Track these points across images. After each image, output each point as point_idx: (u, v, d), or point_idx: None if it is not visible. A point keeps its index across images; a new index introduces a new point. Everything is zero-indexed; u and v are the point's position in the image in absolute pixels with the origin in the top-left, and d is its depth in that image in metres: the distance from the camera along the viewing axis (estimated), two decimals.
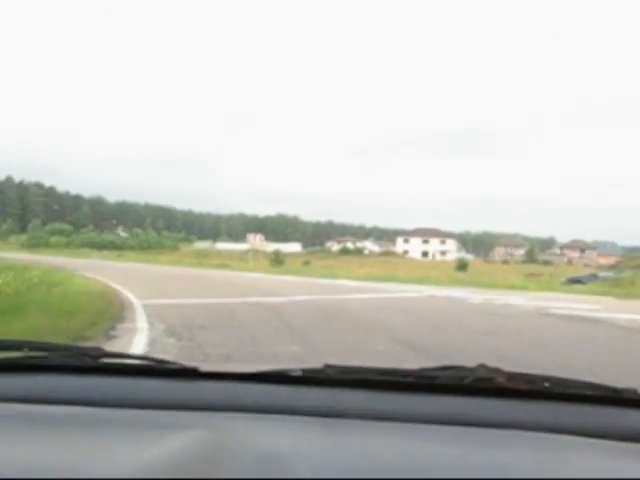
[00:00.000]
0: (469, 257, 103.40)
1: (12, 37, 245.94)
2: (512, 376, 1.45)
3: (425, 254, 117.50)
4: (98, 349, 1.65)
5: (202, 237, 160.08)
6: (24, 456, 1.02)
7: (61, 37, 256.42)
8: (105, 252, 73.11)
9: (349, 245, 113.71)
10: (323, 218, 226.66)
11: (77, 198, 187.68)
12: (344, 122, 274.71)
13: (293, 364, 1.55)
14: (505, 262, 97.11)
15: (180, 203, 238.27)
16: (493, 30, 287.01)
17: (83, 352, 1.64)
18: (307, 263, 61.10)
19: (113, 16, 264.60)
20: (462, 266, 59.50)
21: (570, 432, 1.29)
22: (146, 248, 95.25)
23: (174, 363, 1.57)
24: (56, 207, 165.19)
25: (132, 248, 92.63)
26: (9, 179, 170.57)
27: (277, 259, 54.68)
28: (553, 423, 1.33)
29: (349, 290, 22.62)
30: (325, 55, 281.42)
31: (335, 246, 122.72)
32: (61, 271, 27.68)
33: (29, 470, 0.94)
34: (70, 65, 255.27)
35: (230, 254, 69.41)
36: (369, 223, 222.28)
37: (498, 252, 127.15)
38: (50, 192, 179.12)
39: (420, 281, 33.49)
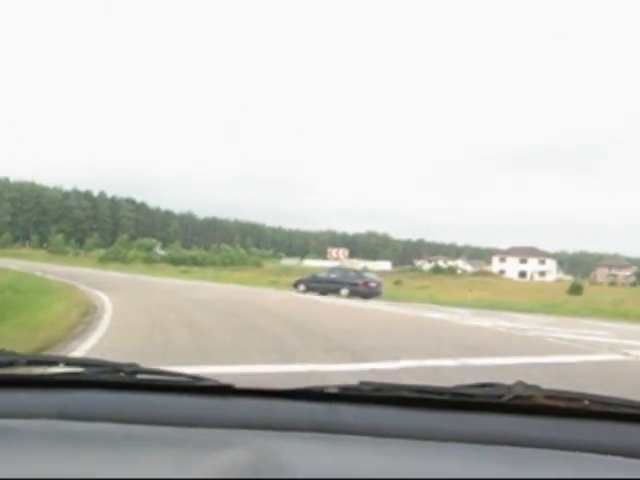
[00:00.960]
0: (567, 278, 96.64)
1: (105, 59, 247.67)
2: (551, 394, 1.43)
3: (523, 274, 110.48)
4: (133, 365, 1.61)
5: (291, 254, 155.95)
6: (59, 472, 1.02)
7: (154, 57, 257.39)
8: (183, 267, 67.26)
9: (441, 264, 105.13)
10: (414, 236, 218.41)
11: (168, 214, 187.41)
12: (435, 138, 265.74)
13: (328, 382, 1.56)
14: (612, 284, 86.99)
15: (270, 220, 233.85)
16: (588, 46, 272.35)
17: (118, 368, 1.60)
18: (398, 283, 53.11)
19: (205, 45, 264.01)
20: (576, 289, 50.27)
21: (610, 452, 1.26)
22: (229, 264, 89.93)
23: (209, 380, 1.55)
24: (145, 222, 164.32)
25: (214, 264, 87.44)
26: (102, 194, 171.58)
27: None
28: (593, 442, 1.30)
29: (487, 339, 13.15)
30: (412, 74, 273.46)
31: (426, 265, 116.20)
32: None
33: None
34: (166, 85, 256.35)
35: (315, 271, 62.75)
36: (460, 242, 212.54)
37: (600, 273, 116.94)
38: (141, 208, 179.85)
39: (551, 311, 25.05)
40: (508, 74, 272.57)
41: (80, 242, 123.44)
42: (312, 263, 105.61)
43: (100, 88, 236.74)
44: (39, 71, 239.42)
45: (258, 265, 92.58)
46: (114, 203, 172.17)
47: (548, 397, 1.40)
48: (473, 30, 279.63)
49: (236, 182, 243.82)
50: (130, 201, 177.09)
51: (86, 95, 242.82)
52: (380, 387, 1.48)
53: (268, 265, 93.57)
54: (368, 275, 33.39)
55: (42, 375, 1.57)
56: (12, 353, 1.66)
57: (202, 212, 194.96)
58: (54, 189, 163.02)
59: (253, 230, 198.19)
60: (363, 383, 1.48)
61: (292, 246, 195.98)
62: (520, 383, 1.43)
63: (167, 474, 1.02)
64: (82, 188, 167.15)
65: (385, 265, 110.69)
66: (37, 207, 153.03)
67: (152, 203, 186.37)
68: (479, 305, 28.01)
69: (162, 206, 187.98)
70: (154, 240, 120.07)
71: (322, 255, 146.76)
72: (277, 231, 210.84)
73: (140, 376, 1.57)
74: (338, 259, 40.74)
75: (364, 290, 29.06)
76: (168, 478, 1.00)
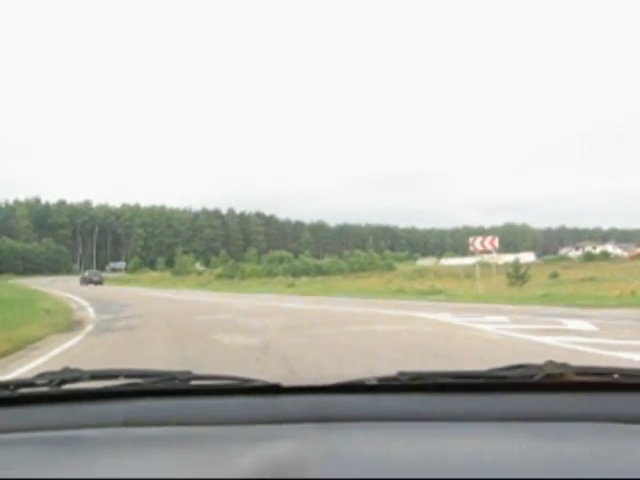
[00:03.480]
0: None
1: (230, 79, 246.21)
2: (581, 370, 1.47)
3: None
4: (187, 372, 1.70)
5: (426, 254, 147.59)
6: (130, 473, 1.12)
7: (276, 76, 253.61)
8: (304, 279, 57.73)
9: (590, 249, 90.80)
10: (554, 224, 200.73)
11: (298, 225, 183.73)
12: (565, 113, 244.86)
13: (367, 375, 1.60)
14: None
15: (402, 221, 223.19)
16: None
17: (173, 376, 1.69)
18: (555, 276, 40.33)
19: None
20: None
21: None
22: (357, 270, 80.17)
23: (258, 380, 1.63)
24: (276, 235, 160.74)
25: (341, 272, 77.96)
26: (231, 211, 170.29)
27: (517, 274, 33.32)
28: (624, 413, 1.34)
29: None
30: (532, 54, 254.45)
31: (572, 252, 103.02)
32: None
33: None
34: (286, 100, 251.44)
35: (453, 271, 52.19)
36: (605, 225, 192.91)
37: None
38: (271, 221, 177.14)
39: None
40: None
41: (208, 261, 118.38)
42: (450, 261, 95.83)
43: (222, 109, 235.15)
44: (162, 98, 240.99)
45: (390, 268, 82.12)
46: (243, 219, 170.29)
47: (578, 373, 1.44)
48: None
49: (365, 185, 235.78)
50: (259, 215, 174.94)
51: (210, 117, 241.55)
52: (418, 375, 1.52)
53: (402, 267, 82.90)
54: None
55: (106, 388, 1.66)
56: (76, 370, 1.74)
57: (333, 219, 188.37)
58: (184, 211, 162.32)
59: (386, 233, 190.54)
60: (401, 373, 1.53)
61: (428, 246, 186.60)
62: (550, 362, 1.46)
63: (224, 468, 1.11)
64: (211, 207, 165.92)
65: (529, 256, 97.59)
66: (168, 230, 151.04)
67: (282, 215, 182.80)
68: None
69: (292, 217, 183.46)
70: (188, 256, 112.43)
71: (460, 252, 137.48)
72: (411, 232, 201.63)
73: (194, 382, 1.66)
74: (486, 251, 28.60)
75: None
76: (226, 472, 1.08)
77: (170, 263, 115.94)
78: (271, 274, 77.22)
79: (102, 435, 1.43)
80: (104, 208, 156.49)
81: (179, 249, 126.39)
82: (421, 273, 54.78)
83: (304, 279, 57.87)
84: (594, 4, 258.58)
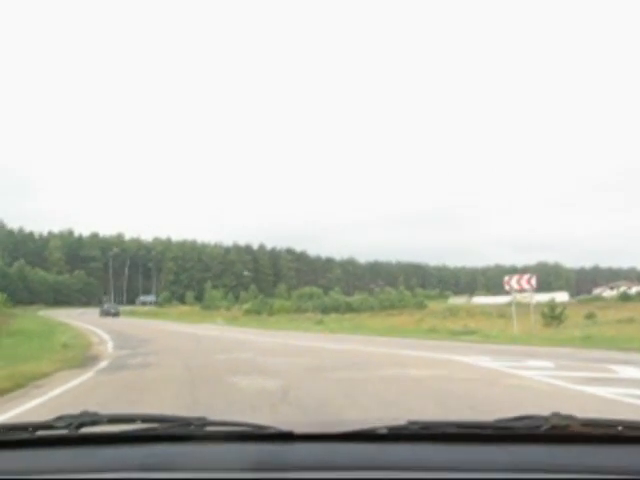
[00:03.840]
0: None
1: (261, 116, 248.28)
2: (586, 422, 1.50)
3: None
4: (202, 419, 1.75)
5: (458, 292, 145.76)
6: None
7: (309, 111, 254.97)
8: (333, 315, 56.52)
9: (625, 289, 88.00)
10: (587, 263, 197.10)
11: (329, 261, 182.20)
12: (607, 149, 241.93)
13: (377, 422, 1.63)
14: None
15: (433, 259, 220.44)
16: None
17: (189, 422, 1.74)
18: (591, 316, 38.56)
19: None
20: None
21: None
22: (387, 308, 78.97)
23: (271, 427, 1.66)
24: (307, 271, 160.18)
25: (371, 309, 76.80)
26: (262, 247, 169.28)
27: (553, 314, 31.98)
28: (627, 466, 1.34)
29: None
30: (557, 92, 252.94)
31: (606, 292, 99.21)
32: None
33: None
34: (318, 137, 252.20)
35: (485, 310, 50.26)
36: None
37: None
38: (301, 257, 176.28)
39: None
40: None
41: (238, 296, 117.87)
42: (482, 300, 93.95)
43: (256, 145, 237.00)
44: (195, 133, 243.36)
45: (421, 306, 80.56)
46: (274, 254, 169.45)
47: (584, 425, 1.47)
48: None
49: (396, 222, 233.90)
50: (290, 251, 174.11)
51: (244, 153, 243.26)
52: (427, 425, 1.56)
53: (433, 306, 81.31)
54: None
55: (123, 432, 1.70)
56: (95, 414, 1.80)
57: (363, 256, 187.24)
58: (215, 245, 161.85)
59: (417, 270, 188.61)
60: (411, 422, 1.58)
61: (459, 284, 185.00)
62: (556, 414, 1.49)
63: None
64: (242, 242, 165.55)
65: (563, 296, 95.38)
66: (199, 264, 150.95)
67: (313, 251, 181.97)
68: None
69: (323, 253, 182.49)
70: (217, 291, 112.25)
71: (492, 291, 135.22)
72: (442, 269, 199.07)
73: (208, 428, 1.70)
74: (522, 290, 27.18)
75: None
76: None
77: (199, 297, 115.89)
78: (300, 310, 76.23)
79: (118, 479, 1.45)
80: (136, 241, 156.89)
81: (209, 284, 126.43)
82: (453, 312, 53.29)
83: (333, 316, 56.73)
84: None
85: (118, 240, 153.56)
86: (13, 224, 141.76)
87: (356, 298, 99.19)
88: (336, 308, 75.40)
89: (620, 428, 1.45)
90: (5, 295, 66.03)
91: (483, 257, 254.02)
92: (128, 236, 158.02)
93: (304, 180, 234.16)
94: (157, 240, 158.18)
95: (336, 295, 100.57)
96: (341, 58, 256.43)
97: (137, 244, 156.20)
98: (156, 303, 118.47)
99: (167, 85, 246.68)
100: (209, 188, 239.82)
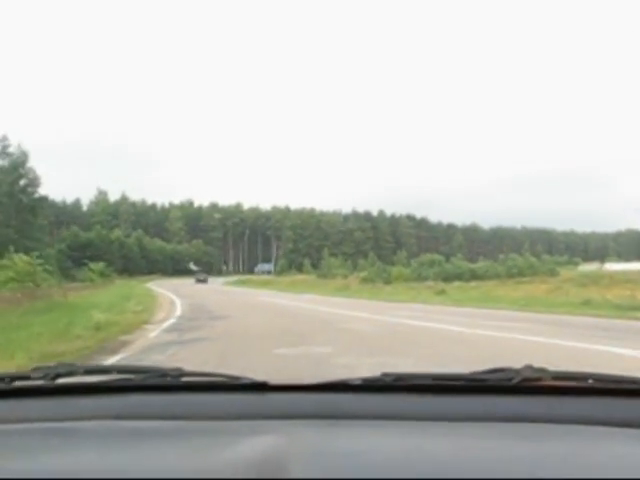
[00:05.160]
0: None
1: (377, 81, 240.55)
2: (557, 375, 1.50)
3: None
4: (178, 369, 1.73)
5: (587, 259, 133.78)
6: (119, 463, 1.17)
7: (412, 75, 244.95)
8: (456, 284, 50.12)
9: None
10: None
11: (450, 227, 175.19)
12: None
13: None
14: None
15: (560, 224, 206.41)
16: None
17: (164, 373, 1.73)
18: None
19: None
20: None
21: (613, 424, 1.33)
22: (515, 275, 71.55)
23: (246, 378, 1.65)
24: (427, 237, 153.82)
25: (498, 276, 69.71)
26: (381, 213, 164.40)
27: None
28: (597, 416, 1.36)
29: None
30: None
31: None
32: None
33: (119, 473, 1.08)
34: (434, 99, 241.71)
35: (630, 277, 42.00)
36: None
37: None
38: (422, 223, 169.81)
39: None
40: None
41: (356, 264, 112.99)
42: (618, 267, 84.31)
43: (374, 110, 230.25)
44: (313, 100, 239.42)
45: (553, 274, 72.30)
46: (394, 221, 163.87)
47: (555, 378, 1.47)
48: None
49: (521, 186, 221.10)
50: (410, 217, 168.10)
51: (362, 118, 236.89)
52: (400, 376, 1.55)
53: (566, 273, 72.65)
54: None
55: (99, 382, 1.70)
56: (71, 364, 1.82)
57: (486, 222, 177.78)
58: (334, 213, 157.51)
59: (542, 236, 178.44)
60: (385, 374, 1.55)
61: (587, 250, 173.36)
62: (529, 367, 1.49)
63: (211, 460, 1.14)
64: (361, 209, 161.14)
65: None
66: (317, 232, 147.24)
67: (433, 217, 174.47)
68: None
69: (444, 220, 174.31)
70: (336, 259, 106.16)
71: (624, 257, 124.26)
72: (569, 235, 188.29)
73: (184, 379, 1.69)
74: None
75: None
76: (212, 463, 1.11)
77: (317, 266, 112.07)
78: (420, 278, 69.86)
79: (94, 427, 1.44)
80: (255, 210, 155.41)
81: (326, 252, 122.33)
82: (593, 279, 45.48)
83: (456, 284, 50.12)
84: None
85: (237, 209, 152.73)
86: (135, 196, 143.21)
87: (480, 265, 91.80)
88: (459, 276, 68.38)
89: (590, 381, 1.46)
90: (104, 264, 64.93)
91: (614, 222, 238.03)
92: (247, 205, 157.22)
93: (425, 144, 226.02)
94: (276, 209, 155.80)
95: (458, 262, 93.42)
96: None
97: (256, 213, 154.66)
98: (273, 272, 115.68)
99: (279, 51, 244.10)
100: (327, 155, 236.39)
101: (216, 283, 74.37)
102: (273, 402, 1.53)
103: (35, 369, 1.75)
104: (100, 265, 61.86)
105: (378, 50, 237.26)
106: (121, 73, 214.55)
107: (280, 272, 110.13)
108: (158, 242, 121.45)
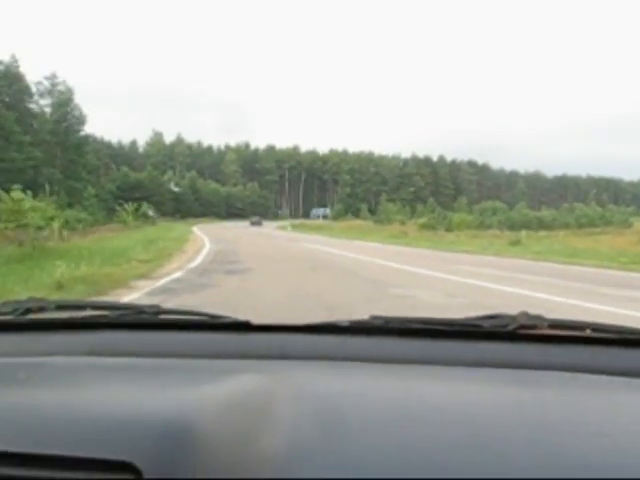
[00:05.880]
0: None
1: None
2: (554, 323, 1.44)
3: None
4: (156, 306, 1.66)
5: None
6: (91, 397, 1.08)
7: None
8: (524, 233, 45.04)
9: None
10: None
11: (513, 175, 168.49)
12: None
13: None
14: None
15: (628, 173, 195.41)
16: None
17: (141, 310, 1.65)
18: None
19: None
20: None
21: (609, 373, 1.29)
22: (585, 225, 66.42)
23: (227, 317, 1.57)
24: (489, 185, 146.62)
25: (566, 226, 64.73)
26: (441, 158, 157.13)
27: None
28: (594, 365, 1.33)
29: None
30: None
31: None
32: None
33: (97, 406, 1.01)
34: (496, 45, 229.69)
35: None
36: None
37: None
38: (483, 170, 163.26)
39: None
40: None
41: (415, 210, 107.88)
42: None
43: (436, 55, 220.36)
44: (374, 44, 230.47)
45: (626, 225, 66.48)
46: (454, 167, 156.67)
47: (551, 326, 1.42)
48: None
49: (586, 133, 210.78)
50: (472, 164, 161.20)
51: (423, 61, 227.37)
52: (390, 320, 1.48)
53: (637, 224, 66.56)
54: None
55: (71, 318, 1.62)
56: (41, 299, 1.71)
57: (550, 170, 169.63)
58: (392, 157, 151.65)
59: (609, 185, 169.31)
60: (374, 317, 1.48)
61: None
62: (524, 313, 1.44)
63: (182, 393, 1.08)
64: (421, 154, 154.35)
65: None
66: (376, 177, 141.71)
67: (495, 164, 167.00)
68: None
69: (506, 167, 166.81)
70: (394, 204, 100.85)
71: None
72: (637, 185, 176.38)
73: (162, 316, 1.61)
74: None
75: None
76: (183, 396, 1.05)
77: (374, 211, 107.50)
78: (483, 226, 64.63)
79: (66, 363, 1.36)
80: (312, 154, 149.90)
81: (384, 197, 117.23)
82: None
83: (524, 233, 44.95)
84: None
85: (294, 152, 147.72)
86: (191, 138, 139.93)
87: (546, 213, 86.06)
88: (525, 224, 63.03)
89: (587, 330, 1.41)
90: (148, 205, 61.71)
91: None
92: (304, 148, 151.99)
93: (486, 87, 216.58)
94: (333, 152, 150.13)
95: (524, 210, 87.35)
96: None
97: (313, 156, 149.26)
98: (329, 216, 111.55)
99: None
100: (386, 98, 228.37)
101: (269, 227, 70.72)
102: (256, 342, 1.45)
103: (4, 303, 1.64)
104: (139, 206, 58.21)
105: None
106: (181, 16, 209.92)
107: (336, 217, 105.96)
108: (212, 184, 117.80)
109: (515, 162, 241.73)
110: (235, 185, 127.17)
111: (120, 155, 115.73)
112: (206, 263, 16.86)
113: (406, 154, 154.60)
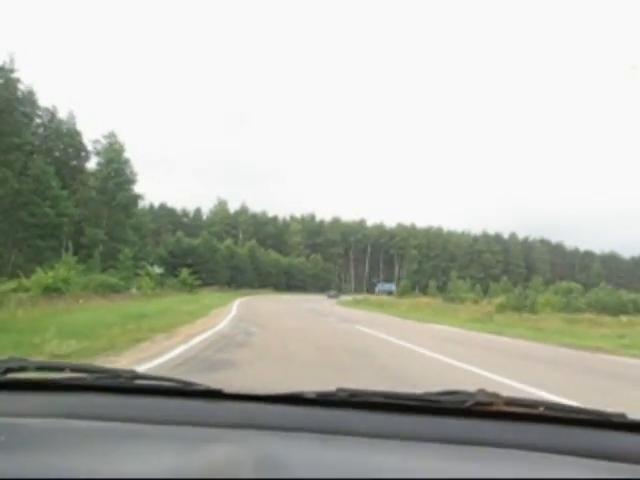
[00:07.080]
0: None
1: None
2: (510, 400, 1.48)
3: None
4: (131, 371, 1.70)
5: None
6: (68, 463, 1.12)
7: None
8: (624, 319, 36.52)
9: None
10: None
11: (587, 255, 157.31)
12: None
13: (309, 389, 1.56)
14: None
15: None
16: None
17: (118, 374, 1.69)
18: None
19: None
20: None
21: (562, 452, 1.33)
22: None
23: (200, 385, 1.61)
24: (563, 264, 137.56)
25: None
26: (513, 236, 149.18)
27: None
28: (546, 444, 1.36)
29: None
30: None
31: None
32: None
33: (72, 472, 1.05)
34: (568, 121, 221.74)
35: None
36: None
37: None
38: (557, 249, 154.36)
39: None
40: None
41: (487, 289, 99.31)
42: None
43: (505, 130, 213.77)
44: (438, 119, 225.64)
45: None
46: (527, 245, 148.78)
47: (507, 403, 1.45)
48: None
49: None
50: (544, 242, 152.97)
51: (494, 138, 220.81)
52: (355, 393, 1.52)
53: None
54: None
55: (51, 379, 1.64)
56: (23, 359, 1.73)
57: (627, 250, 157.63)
58: (462, 233, 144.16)
59: None
60: (339, 390, 1.53)
61: None
62: (482, 391, 1.48)
63: (154, 462, 1.12)
64: (491, 231, 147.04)
65: None
66: (444, 253, 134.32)
67: (569, 243, 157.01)
68: None
69: (580, 246, 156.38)
70: (464, 282, 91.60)
71: None
72: None
73: (138, 381, 1.64)
74: None
75: None
76: (155, 465, 1.10)
77: (443, 288, 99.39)
78: (569, 308, 55.57)
79: (43, 425, 1.38)
80: (378, 227, 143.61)
81: (454, 274, 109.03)
82: None
83: (624, 319, 36.11)
84: None
85: (360, 226, 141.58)
86: (256, 208, 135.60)
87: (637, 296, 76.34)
88: (619, 308, 53.75)
89: (542, 408, 1.45)
90: (189, 272, 55.50)
91: None
92: (370, 222, 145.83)
93: (561, 164, 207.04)
94: (400, 226, 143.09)
95: (611, 291, 77.61)
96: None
97: (379, 230, 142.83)
98: (395, 292, 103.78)
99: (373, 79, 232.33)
100: (456, 173, 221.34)
101: (328, 302, 63.39)
102: (227, 410, 1.48)
103: None
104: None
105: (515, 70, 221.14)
106: (243, 86, 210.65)
107: (402, 293, 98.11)
108: (272, 254, 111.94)
109: (589, 242, 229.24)
110: (298, 256, 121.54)
111: (181, 223, 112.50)
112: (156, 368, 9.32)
113: (476, 230, 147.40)
